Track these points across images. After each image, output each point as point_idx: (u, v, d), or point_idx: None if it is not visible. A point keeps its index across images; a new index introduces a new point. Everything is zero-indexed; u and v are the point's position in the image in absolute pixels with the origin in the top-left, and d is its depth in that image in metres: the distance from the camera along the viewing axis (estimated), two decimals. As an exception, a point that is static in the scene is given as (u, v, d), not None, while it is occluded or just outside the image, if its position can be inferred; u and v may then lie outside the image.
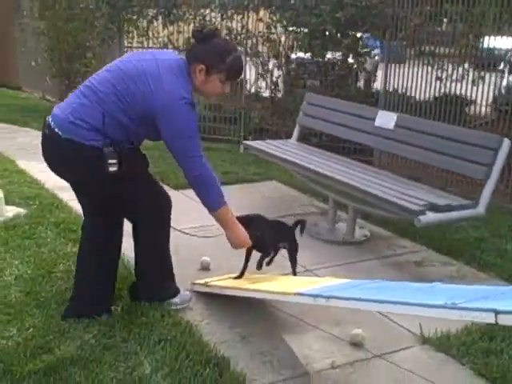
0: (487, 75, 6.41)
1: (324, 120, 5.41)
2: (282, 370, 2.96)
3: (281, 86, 8.03)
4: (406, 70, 7.05)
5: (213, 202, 3.01)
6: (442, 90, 6.73)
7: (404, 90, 7.01)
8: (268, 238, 3.51)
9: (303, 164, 4.80)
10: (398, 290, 2.63)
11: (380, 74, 7.58)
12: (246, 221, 3.27)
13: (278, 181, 6.34)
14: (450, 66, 6.71)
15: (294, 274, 3.65)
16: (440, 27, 6.78)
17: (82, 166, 2.92)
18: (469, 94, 6.52)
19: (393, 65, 7.13)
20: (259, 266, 3.49)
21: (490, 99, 6.56)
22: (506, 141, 3.96)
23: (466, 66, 6.69)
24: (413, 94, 6.96)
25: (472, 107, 6.74)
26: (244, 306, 3.52)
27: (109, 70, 2.97)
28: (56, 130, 2.89)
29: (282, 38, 7.82)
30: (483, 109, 6.68)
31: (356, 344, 3.23)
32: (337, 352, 3.17)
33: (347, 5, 7.11)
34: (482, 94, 6.44)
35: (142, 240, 3.34)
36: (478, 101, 6.55)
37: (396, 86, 7.09)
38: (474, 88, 6.42)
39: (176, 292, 3.46)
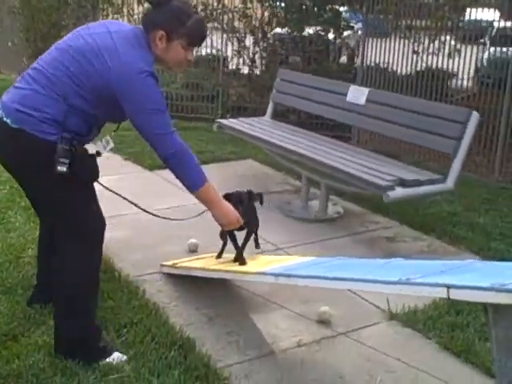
0: (469, 48, 6.36)
1: (296, 96, 5.37)
2: (247, 351, 2.96)
3: (258, 62, 7.94)
4: (387, 44, 6.99)
5: (192, 181, 2.72)
6: (424, 64, 6.68)
7: (385, 65, 6.96)
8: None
9: (274, 142, 4.78)
10: (360, 267, 2.63)
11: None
12: (235, 198, 3.01)
13: (254, 159, 6.30)
14: (427, 39, 6.67)
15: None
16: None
17: (33, 159, 2.59)
18: (451, 67, 6.48)
19: (373, 39, 7.08)
20: (258, 245, 3.47)
21: (472, 73, 6.51)
22: (475, 114, 3.94)
23: (443, 38, 6.66)
24: (394, 69, 6.91)
25: (454, 81, 6.71)
26: (212, 287, 3.51)
27: (58, 49, 2.66)
28: (5, 119, 2.59)
29: (259, 13, 7.72)
30: (465, 82, 6.66)
31: (323, 321, 3.24)
32: (304, 330, 3.17)
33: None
34: (463, 67, 6.40)
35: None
36: (460, 74, 6.51)
37: (376, 61, 7.03)
38: (456, 61, 6.37)
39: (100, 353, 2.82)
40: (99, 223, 2.81)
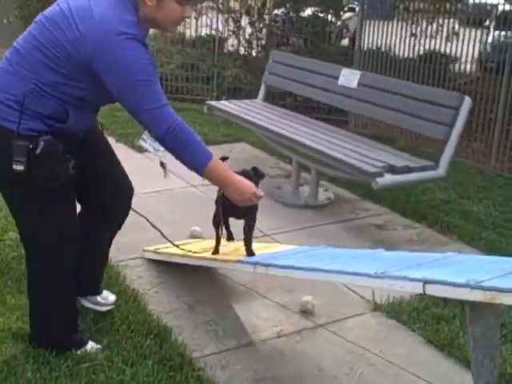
0: (473, 32, 6.22)
1: (288, 79, 5.26)
2: (226, 340, 2.89)
3: (254, 43, 7.80)
4: (386, 27, 6.85)
5: (196, 160, 2.31)
6: (426, 48, 6.54)
7: (384, 48, 6.82)
8: None
9: (264, 125, 4.68)
10: (339, 257, 2.55)
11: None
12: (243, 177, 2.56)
13: (247, 142, 6.19)
14: (425, 21, 6.53)
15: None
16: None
17: None
18: (453, 51, 6.35)
19: (371, 21, 6.94)
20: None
21: (476, 56, 6.38)
22: (467, 99, 3.83)
23: (442, 21, 6.53)
24: (393, 52, 6.77)
25: (457, 65, 6.57)
26: (195, 275, 3.44)
27: (35, 22, 2.33)
28: None
29: (255, -7, 7.58)
30: (468, 66, 6.53)
31: (306, 312, 3.17)
32: (285, 320, 3.10)
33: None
34: (467, 51, 6.25)
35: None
36: (463, 59, 6.37)
37: (375, 44, 6.89)
38: (460, 45, 6.23)
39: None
40: (74, 250, 2.53)
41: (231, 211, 2.86)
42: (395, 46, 6.75)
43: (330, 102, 4.97)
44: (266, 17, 7.65)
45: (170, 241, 3.02)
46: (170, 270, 3.48)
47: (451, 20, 6.50)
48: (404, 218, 4.47)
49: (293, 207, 4.55)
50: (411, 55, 6.68)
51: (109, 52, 2.14)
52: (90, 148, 2.59)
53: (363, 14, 6.96)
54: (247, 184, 2.46)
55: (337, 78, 4.73)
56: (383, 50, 6.84)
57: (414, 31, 6.62)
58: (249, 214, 2.87)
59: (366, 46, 7.01)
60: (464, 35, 6.23)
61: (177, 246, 3.08)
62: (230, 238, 3.13)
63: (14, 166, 2.20)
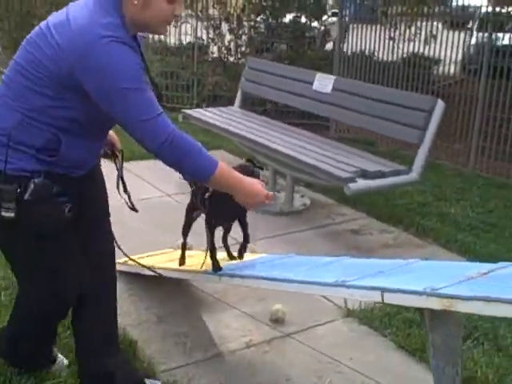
0: (456, 34, 6.21)
1: (265, 85, 5.23)
2: (194, 353, 2.85)
3: (234, 50, 7.78)
4: (366, 31, 6.84)
5: (201, 170, 2.08)
6: (408, 51, 6.53)
7: (365, 52, 6.82)
8: None
9: (238, 132, 4.65)
10: (303, 266, 2.51)
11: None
12: (245, 172, 2.33)
13: (226, 150, 6.14)
14: (403, 25, 6.54)
15: None
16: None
17: None
18: (437, 54, 6.34)
19: (352, 26, 6.94)
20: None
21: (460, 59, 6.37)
22: (440, 102, 3.81)
23: (420, 24, 6.54)
24: (375, 56, 6.76)
25: (441, 67, 6.56)
26: (166, 286, 3.38)
27: (19, 48, 2.11)
28: None
29: (233, 0, 7.56)
30: (452, 68, 6.52)
31: (276, 320, 3.13)
32: (255, 330, 3.06)
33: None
34: (451, 53, 6.25)
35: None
36: (447, 61, 6.36)
37: (355, 48, 6.88)
38: (443, 48, 6.21)
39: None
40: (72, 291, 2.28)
41: (221, 218, 2.65)
42: (378, 49, 6.74)
43: (304, 107, 4.94)
44: (245, 23, 7.64)
45: (126, 254, 2.77)
46: (141, 281, 3.42)
47: (430, 23, 6.48)
48: (380, 222, 4.45)
49: (268, 214, 4.50)
50: (394, 59, 6.67)
51: (92, 58, 1.90)
52: (88, 193, 2.28)
53: (342, 18, 6.94)
54: (258, 186, 2.25)
55: (311, 83, 4.70)
56: (366, 54, 6.83)
57: (392, 35, 6.61)
58: (238, 216, 2.68)
59: (349, 51, 6.99)
60: (448, 37, 6.22)
61: (133, 260, 2.92)
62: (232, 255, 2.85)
63: (3, 213, 1.99)
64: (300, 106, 5.07)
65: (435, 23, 6.45)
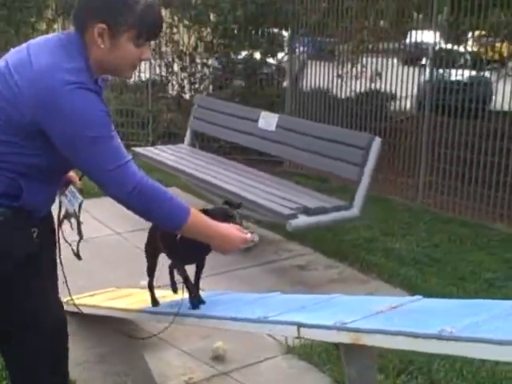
0: (411, 70, 6.35)
1: (212, 123, 5.32)
2: (133, 392, 2.84)
3: (187, 87, 7.89)
4: (317, 67, 7.00)
5: (172, 219, 2.00)
6: (364, 87, 6.68)
7: (316, 89, 6.95)
8: None
9: (185, 170, 4.71)
10: (233, 302, 2.56)
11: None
12: (221, 216, 2.27)
13: (178, 187, 6.19)
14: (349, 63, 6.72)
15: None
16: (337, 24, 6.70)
17: None
18: (393, 89, 6.48)
19: (309, 62, 7.10)
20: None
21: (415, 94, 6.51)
22: (377, 140, 3.93)
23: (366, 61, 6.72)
24: (328, 93, 6.90)
25: (397, 103, 6.70)
26: (110, 324, 3.37)
27: None
28: None
29: (185, 38, 7.68)
30: (408, 104, 6.67)
31: (217, 358, 3.14)
32: (196, 368, 3.06)
33: (247, 2, 7.03)
34: (407, 89, 6.37)
35: None
36: (402, 96, 6.50)
37: (316, 85, 7.01)
38: (399, 83, 6.35)
39: None
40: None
41: (186, 258, 2.56)
42: (330, 87, 6.88)
43: (250, 145, 5.04)
44: (198, 61, 7.76)
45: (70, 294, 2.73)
46: (83, 319, 3.40)
47: (381, 59, 6.62)
48: (326, 257, 4.51)
49: (214, 251, 4.51)
50: (348, 95, 6.81)
51: (55, 105, 1.82)
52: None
53: (291, 56, 7.12)
54: (233, 231, 2.18)
55: (257, 121, 4.81)
56: (319, 91, 6.96)
57: (339, 72, 6.80)
58: (201, 256, 2.59)
59: (303, 88, 7.13)
60: (403, 73, 6.34)
61: (72, 303, 2.87)
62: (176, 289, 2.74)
63: None
64: (246, 144, 5.16)
65: (390, 59, 6.59)
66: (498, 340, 1.41)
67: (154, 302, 2.77)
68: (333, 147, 4.13)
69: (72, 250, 2.38)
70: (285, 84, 7.92)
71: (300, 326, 1.88)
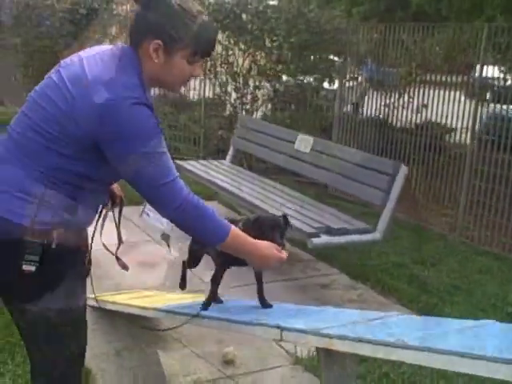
0: (467, 103, 6.23)
1: (253, 142, 5.52)
2: (142, 386, 3.03)
3: (239, 108, 8.14)
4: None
5: (213, 236, 2.05)
6: (422, 119, 6.63)
7: (378, 119, 7.01)
8: None
9: (221, 184, 4.91)
10: (235, 309, 2.72)
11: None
12: (269, 224, 2.33)
13: (219, 201, 6.40)
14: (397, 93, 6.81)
15: None
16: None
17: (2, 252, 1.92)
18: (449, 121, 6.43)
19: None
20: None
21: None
22: (403, 167, 4.03)
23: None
24: (392, 122, 6.92)
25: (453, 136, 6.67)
26: (131, 320, 3.56)
27: (26, 99, 2.01)
28: None
29: (240, 61, 7.95)
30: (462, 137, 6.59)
31: (227, 362, 3.30)
32: (205, 369, 3.23)
33: (301, 30, 7.26)
34: (466, 122, 6.25)
35: None
36: (459, 130, 6.44)
37: (371, 114, 7.09)
38: (455, 117, 6.29)
39: None
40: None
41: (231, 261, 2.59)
42: (388, 116, 6.91)
43: (284, 164, 5.21)
44: (250, 83, 8.00)
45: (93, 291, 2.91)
46: (110, 316, 3.61)
47: (426, 91, 6.66)
48: (350, 278, 4.61)
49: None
50: (404, 125, 6.81)
51: (111, 120, 1.83)
52: None
53: (341, 83, 7.27)
54: (271, 250, 2.17)
55: (294, 142, 4.98)
56: (374, 119, 7.02)
57: (387, 102, 6.90)
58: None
59: (359, 116, 7.20)
60: (459, 107, 6.25)
61: (95, 298, 3.11)
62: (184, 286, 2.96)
63: (25, 267, 1.88)
64: (283, 164, 5.33)
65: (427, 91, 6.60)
66: (440, 349, 1.53)
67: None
68: (360, 172, 4.25)
69: (116, 257, 2.50)
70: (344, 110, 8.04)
71: (283, 329, 2.02)
